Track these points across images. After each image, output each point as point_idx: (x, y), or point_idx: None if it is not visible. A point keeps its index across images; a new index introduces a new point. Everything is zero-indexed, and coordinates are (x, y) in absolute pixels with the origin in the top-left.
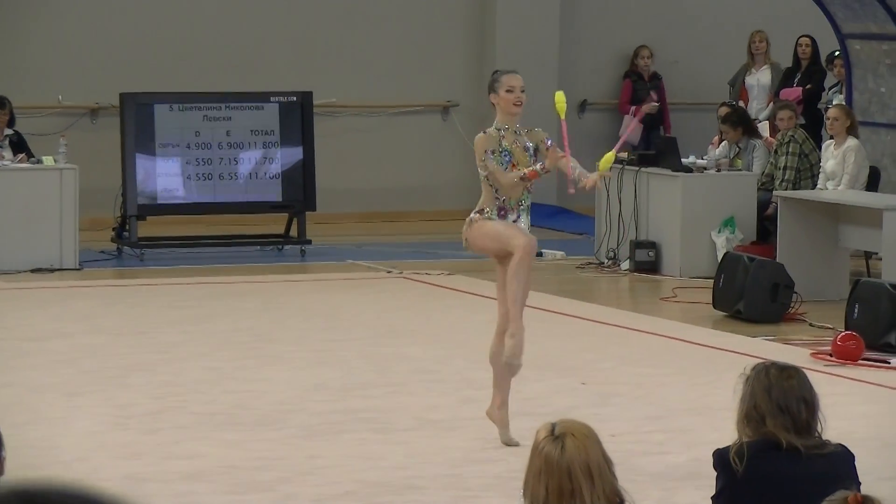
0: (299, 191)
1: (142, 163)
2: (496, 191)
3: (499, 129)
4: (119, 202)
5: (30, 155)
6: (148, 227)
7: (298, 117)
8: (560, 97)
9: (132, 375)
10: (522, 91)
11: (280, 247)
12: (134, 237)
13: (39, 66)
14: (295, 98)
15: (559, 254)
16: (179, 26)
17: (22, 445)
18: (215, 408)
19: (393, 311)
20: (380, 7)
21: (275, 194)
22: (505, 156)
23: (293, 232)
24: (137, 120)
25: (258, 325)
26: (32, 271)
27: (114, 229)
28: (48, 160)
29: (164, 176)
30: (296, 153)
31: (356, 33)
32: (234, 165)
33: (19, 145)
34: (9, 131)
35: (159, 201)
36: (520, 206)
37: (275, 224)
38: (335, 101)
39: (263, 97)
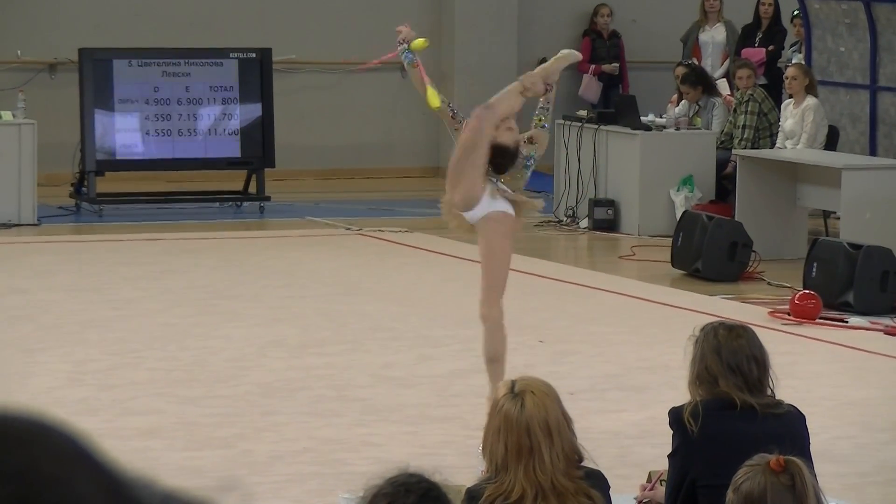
0: (258, 147)
1: (100, 118)
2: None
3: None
4: (77, 158)
5: None
6: (106, 184)
7: (257, 74)
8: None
9: (89, 331)
10: None
11: (238, 203)
12: (92, 193)
13: None
14: (254, 54)
15: None
16: None
17: None
18: (172, 364)
19: (351, 269)
20: None
21: (233, 151)
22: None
23: (252, 189)
24: (96, 76)
25: (216, 282)
26: None
27: (72, 185)
28: (6, 115)
29: (123, 132)
30: (255, 110)
31: None
32: (193, 121)
33: None
34: None
35: (118, 157)
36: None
37: (233, 181)
38: (294, 58)
39: (223, 53)
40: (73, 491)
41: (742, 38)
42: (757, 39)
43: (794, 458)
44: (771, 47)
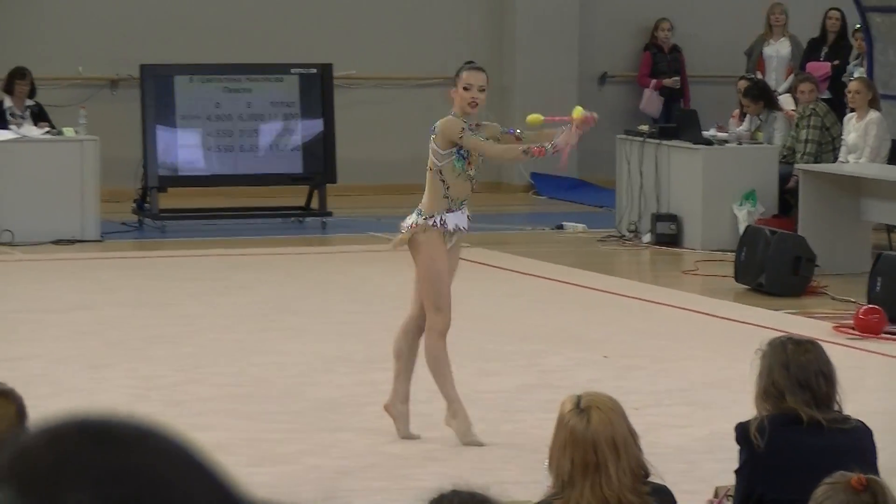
0: (320, 163)
1: (162, 134)
2: (447, 188)
3: (471, 125)
4: (140, 174)
5: (51, 126)
6: (169, 199)
7: (318, 89)
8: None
9: (154, 347)
10: (481, 90)
11: (301, 219)
12: (155, 209)
13: (60, 37)
14: (315, 70)
15: (580, 227)
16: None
17: (45, 418)
18: (238, 380)
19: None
20: None
21: (295, 166)
22: (463, 152)
23: (314, 204)
24: (157, 91)
25: (279, 298)
26: (54, 243)
27: (135, 201)
28: (69, 131)
29: (185, 147)
30: (316, 125)
31: (376, 4)
32: (255, 137)
33: (40, 116)
34: (30, 102)
35: (180, 173)
36: (463, 205)
37: (295, 196)
38: (355, 73)
39: (284, 69)
40: (183, 492)
41: (807, 52)
42: (822, 53)
43: (876, 477)
44: (836, 62)
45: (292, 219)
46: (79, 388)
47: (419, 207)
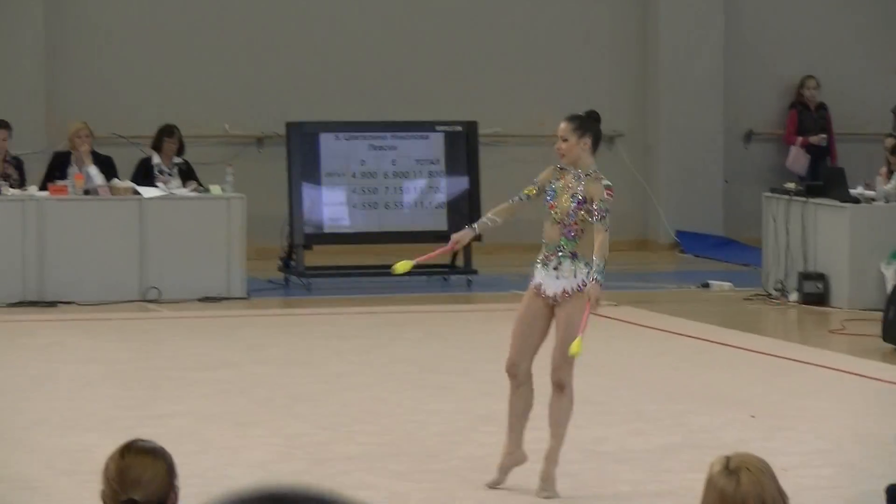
0: (465, 220)
1: (308, 192)
2: (543, 232)
3: (563, 168)
4: (286, 231)
5: (198, 183)
6: (314, 257)
7: (464, 147)
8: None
9: (299, 405)
10: (564, 140)
11: (446, 277)
12: (301, 266)
13: (206, 96)
14: (460, 127)
15: (726, 285)
16: (345, 56)
17: (192, 475)
18: (382, 438)
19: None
20: (544, 38)
21: (440, 224)
22: (549, 194)
23: (459, 262)
24: (303, 149)
25: (424, 356)
26: (200, 300)
27: (281, 258)
28: (215, 189)
29: (330, 205)
30: (461, 182)
31: (521, 63)
32: (399, 194)
33: (188, 173)
34: (178, 160)
35: (325, 230)
36: (559, 252)
37: (440, 255)
38: (500, 131)
39: (429, 126)
40: None
41: None
42: None
43: None
44: None
45: (437, 276)
46: (225, 446)
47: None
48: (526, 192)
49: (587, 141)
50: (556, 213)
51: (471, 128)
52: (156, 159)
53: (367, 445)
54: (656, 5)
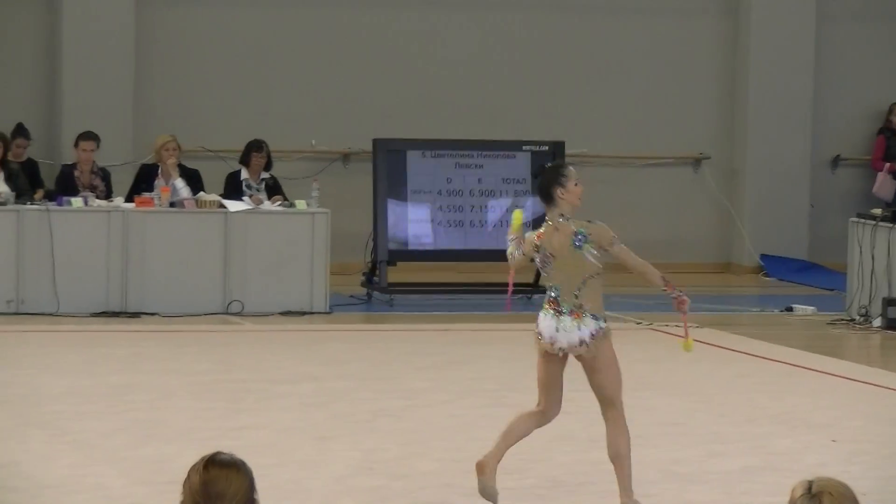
0: None
1: (393, 208)
2: (551, 285)
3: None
4: (370, 247)
5: (284, 198)
6: (397, 273)
7: None
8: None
9: (379, 420)
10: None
11: (529, 296)
12: (384, 282)
13: (294, 111)
14: (546, 147)
15: (810, 309)
16: (432, 73)
17: (271, 487)
18: (460, 455)
19: (639, 363)
20: (632, 58)
21: None
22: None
23: (542, 281)
24: (389, 166)
25: (504, 374)
26: (283, 314)
27: (364, 274)
28: (300, 204)
29: (415, 222)
30: None
31: (608, 84)
32: (485, 213)
33: (275, 188)
34: (265, 174)
35: (409, 247)
36: (574, 297)
37: (523, 273)
38: (586, 152)
39: (515, 146)
40: None
41: None
42: None
43: None
44: None
45: (520, 296)
46: (304, 460)
47: (593, 313)
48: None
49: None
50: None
51: (557, 148)
52: (244, 174)
53: (445, 462)
54: (746, 29)
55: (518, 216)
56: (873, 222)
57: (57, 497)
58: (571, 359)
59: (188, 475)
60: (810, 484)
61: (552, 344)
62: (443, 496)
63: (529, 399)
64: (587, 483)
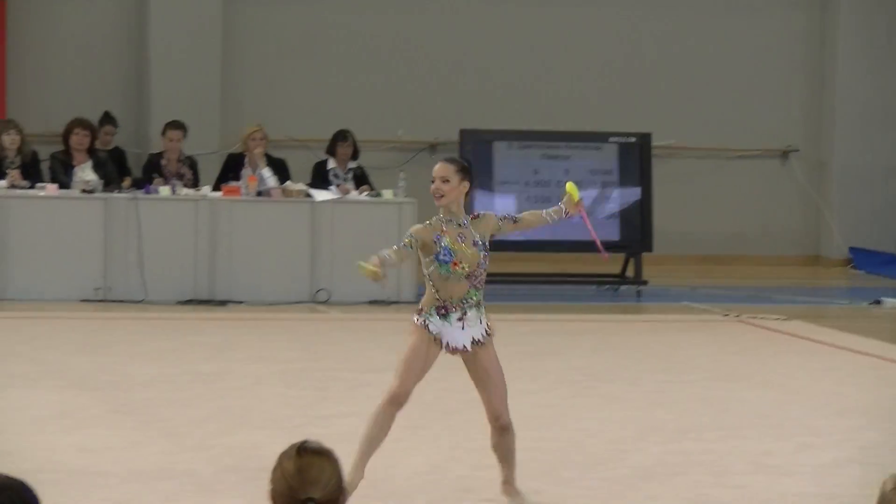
0: (636, 231)
1: (480, 199)
2: (436, 291)
3: (431, 224)
4: None
5: (371, 188)
6: None
7: (637, 158)
8: (571, 188)
9: (467, 410)
10: (445, 181)
11: (615, 287)
12: None
13: (381, 101)
14: (634, 139)
15: None
16: (520, 64)
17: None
18: (550, 445)
19: (728, 355)
20: (721, 50)
21: (611, 234)
22: (443, 254)
23: (629, 272)
24: (476, 156)
25: (593, 364)
26: (369, 303)
27: None
28: (388, 194)
29: (502, 213)
30: (633, 194)
31: (696, 76)
32: None
33: (362, 178)
34: (352, 164)
35: (495, 238)
36: (464, 303)
37: (610, 264)
38: (673, 143)
39: (602, 137)
40: None
41: None
42: None
43: None
44: None
45: (607, 286)
46: (391, 448)
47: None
48: (406, 241)
49: (466, 186)
50: (464, 267)
51: (644, 139)
52: (331, 164)
53: (534, 451)
54: (835, 22)
55: (573, 187)
56: None
57: (147, 483)
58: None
59: (279, 462)
60: None
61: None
62: (533, 485)
63: (617, 389)
64: (680, 473)
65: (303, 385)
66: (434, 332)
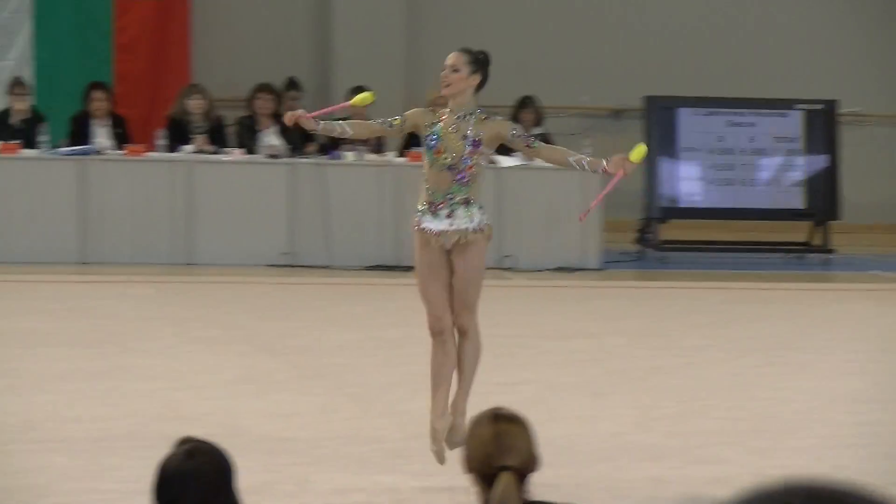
0: (823, 199)
1: (665, 166)
2: (426, 182)
3: (433, 109)
4: (642, 205)
5: None
6: (670, 230)
7: (823, 125)
8: (640, 150)
9: (654, 378)
10: (454, 70)
11: (801, 255)
12: (656, 240)
13: (565, 68)
14: (820, 106)
15: None
16: (704, 29)
17: (544, 443)
18: (739, 414)
19: None
20: None
21: (797, 202)
22: (431, 139)
23: (816, 241)
24: (661, 123)
25: (781, 333)
26: (555, 270)
27: (637, 231)
28: None
29: (686, 180)
30: (820, 161)
31: (883, 42)
32: (755, 172)
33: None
34: (536, 130)
35: (681, 205)
36: (450, 199)
37: (796, 232)
38: (860, 111)
39: (788, 104)
40: None
41: None
42: None
43: None
44: None
45: (793, 255)
46: (578, 416)
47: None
48: (392, 120)
49: (476, 79)
50: (446, 157)
51: (831, 106)
52: None
53: (724, 420)
54: None
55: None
56: None
57: (337, 448)
58: None
59: (473, 428)
60: None
61: None
62: (723, 454)
63: (807, 358)
64: (868, 445)
65: (490, 352)
66: (428, 228)
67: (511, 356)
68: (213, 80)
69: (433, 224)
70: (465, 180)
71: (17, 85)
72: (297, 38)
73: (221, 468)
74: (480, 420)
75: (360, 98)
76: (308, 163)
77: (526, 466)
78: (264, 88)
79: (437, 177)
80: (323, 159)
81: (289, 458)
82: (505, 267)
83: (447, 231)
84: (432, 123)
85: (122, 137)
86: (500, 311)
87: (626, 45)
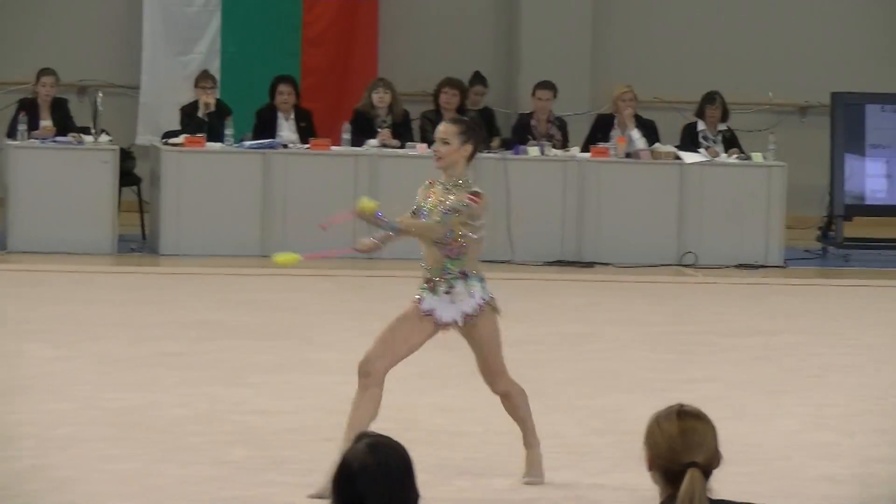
0: None
1: (850, 163)
2: (422, 256)
3: (431, 183)
4: (826, 202)
5: (741, 151)
6: (853, 228)
7: None
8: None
9: (831, 375)
10: (445, 143)
11: None
12: (839, 237)
13: (750, 63)
14: None
15: None
16: (892, 27)
17: (725, 441)
18: None
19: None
20: None
21: None
22: (423, 215)
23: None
24: (847, 120)
25: None
26: (737, 266)
27: (819, 228)
28: (757, 157)
29: (872, 177)
30: None
31: None
32: None
33: (731, 141)
34: (722, 126)
35: (866, 202)
36: (447, 275)
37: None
38: None
39: None
40: None
41: None
42: None
43: None
44: None
45: None
46: (756, 414)
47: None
48: (411, 212)
49: (468, 149)
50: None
51: None
52: (700, 126)
53: None
54: None
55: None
56: None
57: (508, 444)
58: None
59: (656, 424)
60: None
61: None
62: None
63: None
64: None
65: (667, 349)
66: (426, 309)
67: (691, 353)
68: (399, 74)
69: (440, 311)
70: (455, 253)
71: (204, 78)
72: (483, 32)
73: (404, 461)
74: (663, 416)
75: (364, 205)
76: (491, 157)
77: (710, 464)
78: (450, 83)
79: (428, 253)
80: (506, 154)
81: (461, 452)
82: (686, 263)
83: (453, 322)
84: (425, 199)
85: (308, 131)
86: (681, 307)
87: (811, 39)
